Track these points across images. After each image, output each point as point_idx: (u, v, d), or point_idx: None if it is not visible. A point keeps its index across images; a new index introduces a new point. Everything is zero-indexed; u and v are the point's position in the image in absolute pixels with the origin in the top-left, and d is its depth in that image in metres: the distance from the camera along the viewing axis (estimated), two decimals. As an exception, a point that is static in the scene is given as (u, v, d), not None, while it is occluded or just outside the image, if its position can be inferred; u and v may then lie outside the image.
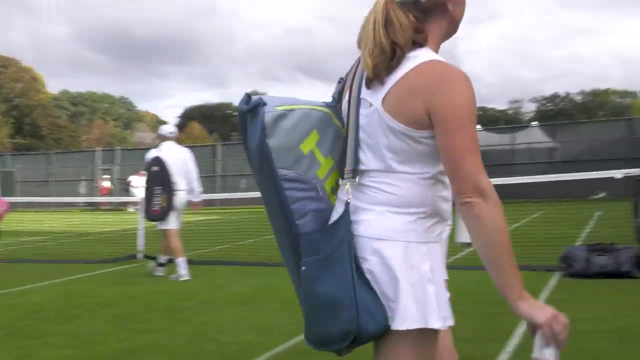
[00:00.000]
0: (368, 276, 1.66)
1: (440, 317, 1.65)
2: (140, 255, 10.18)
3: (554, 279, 7.06)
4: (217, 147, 33.89)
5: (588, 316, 5.11)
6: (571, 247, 7.45)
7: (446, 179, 1.72)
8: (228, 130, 55.18)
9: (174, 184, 7.92)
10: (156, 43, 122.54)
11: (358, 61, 1.81)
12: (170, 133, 8.33)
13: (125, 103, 76.85)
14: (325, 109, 1.83)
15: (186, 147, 8.78)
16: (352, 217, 1.71)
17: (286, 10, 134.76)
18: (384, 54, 1.68)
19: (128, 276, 8.47)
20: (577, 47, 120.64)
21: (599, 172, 9.35)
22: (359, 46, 1.78)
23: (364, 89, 1.75)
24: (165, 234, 8.05)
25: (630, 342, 4.45)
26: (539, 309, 1.57)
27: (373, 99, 1.71)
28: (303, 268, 1.70)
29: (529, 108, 61.95)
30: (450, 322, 1.69)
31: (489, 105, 64.10)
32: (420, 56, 1.68)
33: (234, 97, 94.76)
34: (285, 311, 5.76)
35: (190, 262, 8.49)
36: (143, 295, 6.93)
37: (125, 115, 74.80)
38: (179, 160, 8.09)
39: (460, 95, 1.61)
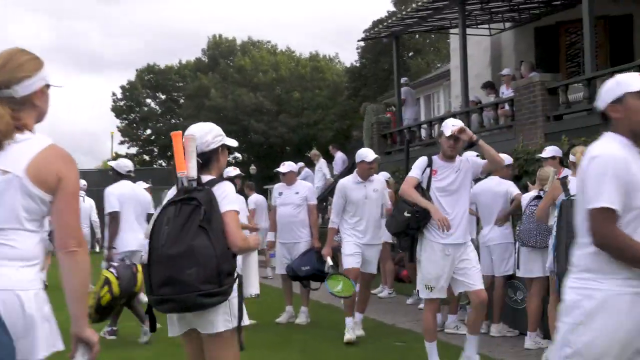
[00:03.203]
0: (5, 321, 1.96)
1: (55, 345, 2.12)
2: None
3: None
4: None
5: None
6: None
7: None
8: None
9: None
10: None
11: None
12: None
13: None
14: None
15: None
16: None
17: None
18: None
19: None
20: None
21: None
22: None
23: None
24: None
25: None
26: (93, 333, 2.17)
27: (9, 167, 2.07)
28: None
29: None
30: (60, 347, 2.14)
31: None
32: (36, 138, 2.13)
33: None
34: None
35: None
36: None
37: None
38: None
39: (77, 172, 2.18)
